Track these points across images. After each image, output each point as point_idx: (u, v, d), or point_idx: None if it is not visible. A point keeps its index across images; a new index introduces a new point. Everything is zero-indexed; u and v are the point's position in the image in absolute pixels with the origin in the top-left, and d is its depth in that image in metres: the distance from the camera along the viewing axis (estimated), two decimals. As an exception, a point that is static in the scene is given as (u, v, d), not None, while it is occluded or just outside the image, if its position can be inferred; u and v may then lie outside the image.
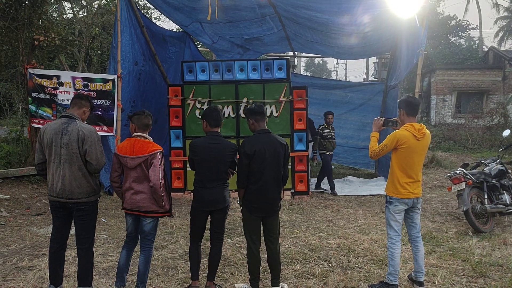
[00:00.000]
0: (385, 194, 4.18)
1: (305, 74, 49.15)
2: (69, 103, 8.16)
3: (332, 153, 9.68)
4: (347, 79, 46.56)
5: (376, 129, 4.26)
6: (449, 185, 6.68)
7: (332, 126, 9.70)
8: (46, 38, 8.88)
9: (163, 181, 3.75)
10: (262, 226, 4.07)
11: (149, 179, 3.72)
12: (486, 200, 6.48)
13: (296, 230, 6.17)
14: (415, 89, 8.06)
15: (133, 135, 3.88)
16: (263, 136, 4.01)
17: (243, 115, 8.35)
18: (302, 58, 33.35)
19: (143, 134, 3.88)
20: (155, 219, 3.90)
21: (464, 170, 6.57)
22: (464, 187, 6.33)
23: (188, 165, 8.36)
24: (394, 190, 4.05)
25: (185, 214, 6.97)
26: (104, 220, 6.61)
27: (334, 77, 53.70)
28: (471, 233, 6.10)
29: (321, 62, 61.98)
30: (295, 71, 29.70)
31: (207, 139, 4.08)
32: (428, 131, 4.05)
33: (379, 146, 4.11)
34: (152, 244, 3.95)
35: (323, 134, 9.48)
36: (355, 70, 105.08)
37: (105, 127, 8.32)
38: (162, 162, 3.80)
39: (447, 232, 6.20)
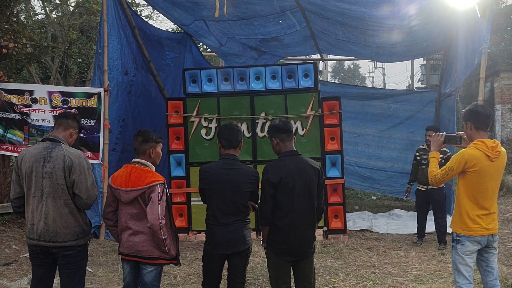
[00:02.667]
0: (451, 230, 4.13)
1: (333, 81, 49.22)
2: (44, 123, 8.35)
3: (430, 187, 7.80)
4: (386, 87, 46.42)
5: (436, 147, 4.25)
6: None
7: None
8: (16, 45, 9.09)
9: (163, 221, 3.73)
10: (292, 273, 4.05)
11: (149, 217, 3.73)
12: None
13: (333, 279, 6.11)
14: (478, 97, 8.03)
15: (131, 161, 3.92)
16: (290, 159, 4.02)
17: (260, 134, 8.41)
18: (328, 62, 33.36)
19: (142, 161, 3.91)
20: (158, 267, 3.90)
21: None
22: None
23: (192, 199, 8.61)
24: (463, 225, 4.00)
25: (191, 261, 6.96)
26: (90, 269, 6.61)
27: (369, 84, 53.64)
28: (559, 280, 5.98)
29: (352, 66, 62.10)
30: (321, 78, 29.79)
31: (220, 164, 4.11)
32: (503, 149, 4.03)
33: (441, 169, 4.08)
34: (155, 300, 3.93)
35: (418, 158, 8.39)
36: (396, 76, 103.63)
37: (89, 153, 8.41)
38: (163, 197, 3.79)
39: (529, 278, 6.08)
